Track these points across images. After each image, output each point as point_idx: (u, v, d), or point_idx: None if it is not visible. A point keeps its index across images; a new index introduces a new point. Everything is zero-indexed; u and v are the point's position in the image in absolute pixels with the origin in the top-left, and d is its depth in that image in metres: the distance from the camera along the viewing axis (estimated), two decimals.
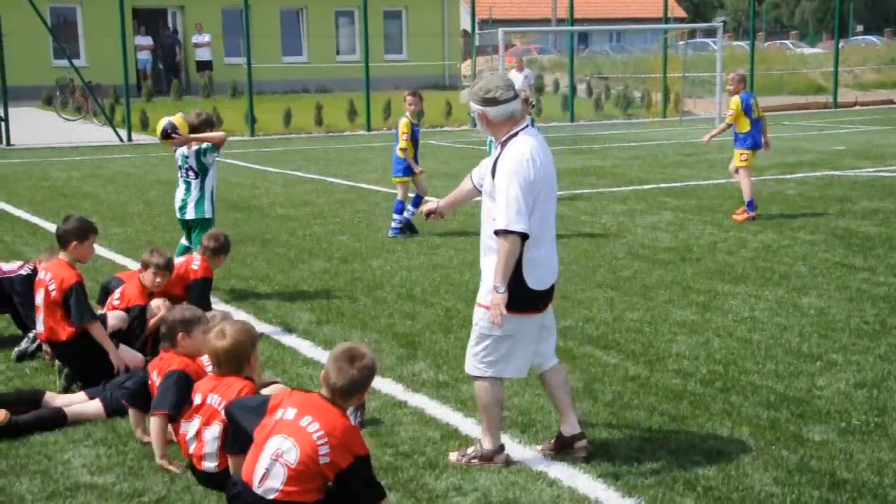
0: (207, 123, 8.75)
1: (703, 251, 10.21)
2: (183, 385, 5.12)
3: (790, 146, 20.66)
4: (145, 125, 24.96)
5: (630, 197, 14.04)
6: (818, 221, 11.67)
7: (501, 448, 5.15)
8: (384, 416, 5.78)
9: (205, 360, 5.34)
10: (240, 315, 7.91)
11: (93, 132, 24.95)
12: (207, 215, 8.62)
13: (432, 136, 24.41)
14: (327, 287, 8.92)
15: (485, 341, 5.06)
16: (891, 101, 33.97)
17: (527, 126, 5.04)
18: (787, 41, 60.94)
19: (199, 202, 8.59)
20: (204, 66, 33.18)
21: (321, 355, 6.94)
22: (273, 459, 4.16)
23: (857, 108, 32.77)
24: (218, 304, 8.30)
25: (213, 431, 4.86)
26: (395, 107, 27.21)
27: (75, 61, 26.03)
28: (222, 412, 4.77)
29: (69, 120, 27.09)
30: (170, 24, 35.16)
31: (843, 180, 15.21)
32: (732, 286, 8.71)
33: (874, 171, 15.60)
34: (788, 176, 15.83)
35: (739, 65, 36.44)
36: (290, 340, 7.31)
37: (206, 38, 33.28)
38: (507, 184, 4.85)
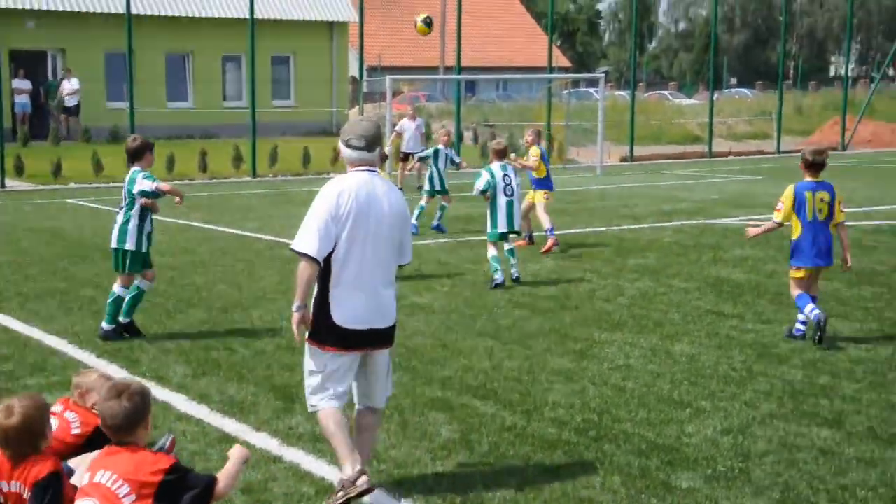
0: (145, 147, 8.89)
1: (582, 299, 10.41)
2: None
3: (667, 195, 21.28)
4: (20, 171, 24.27)
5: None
6: (692, 269, 12.03)
7: (361, 472, 5.10)
8: (258, 471, 5.70)
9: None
10: (112, 369, 7.72)
11: None
12: (127, 247, 8.62)
13: (319, 183, 24.28)
14: (205, 338, 8.78)
15: (306, 378, 5.39)
16: (761, 152, 35.33)
17: (366, 169, 5.25)
18: (666, 92, 62.97)
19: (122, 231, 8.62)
20: (70, 111, 32.24)
21: (196, 410, 6.82)
22: None
23: (730, 157, 33.96)
24: (90, 359, 8.10)
25: None
26: (281, 153, 27.08)
27: None
28: (27, 497, 4.29)
29: None
30: (49, 68, 34.37)
31: (715, 228, 15.73)
32: (609, 334, 8.89)
33: (745, 219, 16.13)
34: (665, 224, 16.28)
35: (620, 114, 37.46)
36: (164, 395, 7.15)
37: (74, 84, 32.44)
38: (310, 207, 5.19)
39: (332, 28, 40.43)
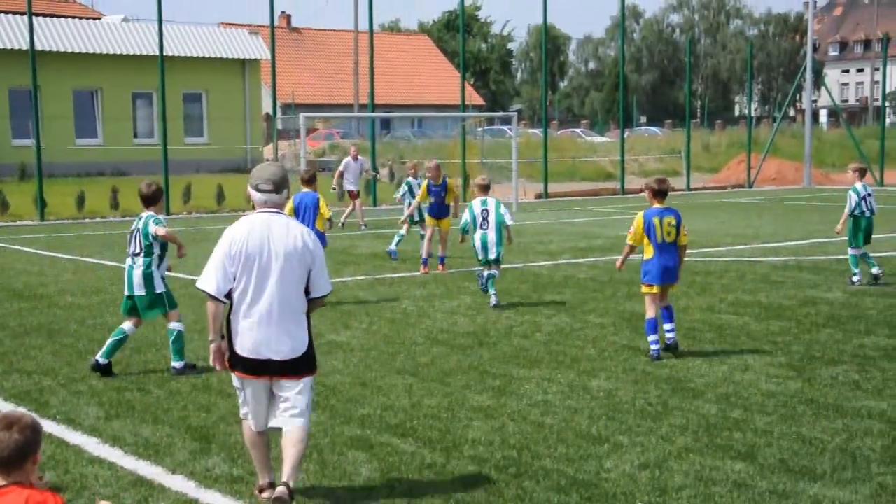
0: (160, 193, 9.10)
1: (500, 335, 10.47)
2: None
3: (582, 231, 21.60)
4: None
5: (430, 282, 14.27)
6: (608, 305, 12.20)
7: (269, 484, 5.73)
8: None
9: None
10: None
11: None
12: (157, 291, 8.90)
13: (233, 220, 24.06)
14: (118, 379, 8.59)
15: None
16: (672, 189, 36.09)
17: (270, 211, 5.70)
18: (578, 129, 64.08)
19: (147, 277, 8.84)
20: None
21: (108, 453, 6.66)
22: None
23: (643, 194, 34.66)
24: None
25: None
26: (195, 190, 26.78)
27: None
28: None
29: None
30: None
31: (630, 263, 15.80)
32: (527, 370, 8.94)
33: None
34: (581, 260, 16.50)
35: (534, 151, 37.99)
36: (76, 438, 6.96)
37: None
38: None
39: (245, 66, 40.30)
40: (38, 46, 27.68)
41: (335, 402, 7.88)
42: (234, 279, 5.57)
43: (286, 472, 5.57)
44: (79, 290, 13.51)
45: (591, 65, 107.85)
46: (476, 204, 12.29)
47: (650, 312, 9.40)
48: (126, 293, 9.00)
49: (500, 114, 48.07)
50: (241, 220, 5.73)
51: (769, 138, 39.77)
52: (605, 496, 5.85)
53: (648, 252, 9.37)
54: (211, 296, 5.58)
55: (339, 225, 22.38)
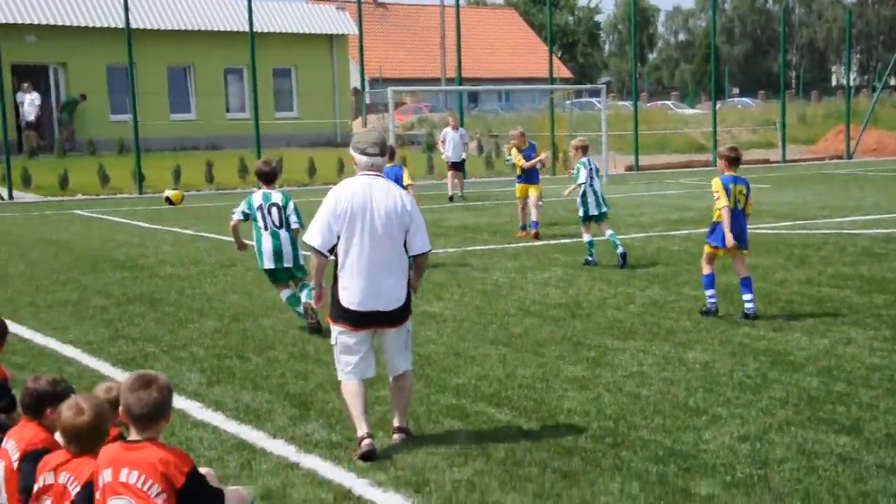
0: (278, 170, 10.01)
1: (593, 307, 10.40)
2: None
3: (674, 203, 21.30)
4: (27, 183, 24.31)
5: (521, 253, 14.24)
6: (701, 277, 11.99)
7: (363, 437, 5.98)
8: (276, 478, 5.69)
9: None
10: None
11: None
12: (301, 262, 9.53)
13: (323, 193, 24.34)
14: (218, 347, 8.78)
15: (334, 355, 6.28)
16: (767, 161, 35.33)
17: (371, 174, 6.16)
18: (668, 102, 63.06)
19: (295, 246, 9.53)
20: (30, 125, 31.46)
21: (211, 417, 6.82)
22: None
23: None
24: (104, 368, 8.11)
25: None
26: (286, 163, 27.14)
27: None
28: (73, 494, 4.33)
29: None
30: (52, 81, 34.43)
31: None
32: (621, 341, 8.88)
33: (753, 229, 16.13)
34: (673, 233, 16.28)
35: (623, 124, 37.53)
36: (180, 402, 7.14)
37: (34, 97, 32.30)
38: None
39: (332, 41, 40.54)
40: (134, 24, 28.26)
41: (430, 372, 7.93)
42: (338, 237, 6.04)
43: (400, 417, 6.25)
44: (178, 260, 13.83)
45: (681, 36, 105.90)
46: (585, 162, 13.06)
47: (706, 269, 9.84)
48: (272, 266, 9.44)
49: (588, 86, 47.57)
50: (344, 182, 6.18)
51: (869, 108, 38.63)
52: (704, 467, 5.79)
53: (718, 215, 9.69)
54: (316, 250, 6.06)
55: (460, 196, 22.39)
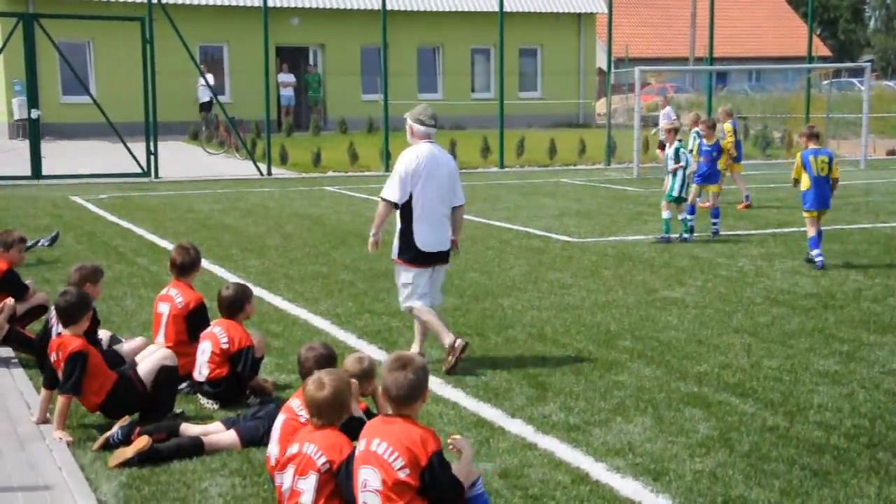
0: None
1: (848, 298, 9.83)
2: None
3: None
4: (284, 160, 25.65)
5: (769, 240, 13.66)
6: (808, 240, 11.26)
7: (455, 338, 7.38)
8: (514, 457, 5.73)
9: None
10: (371, 350, 8.00)
11: (234, 166, 25.77)
12: None
13: (565, 175, 24.34)
14: (458, 324, 8.92)
15: (400, 290, 7.67)
16: None
17: (430, 141, 7.51)
18: None
19: None
20: (203, 107, 31.12)
21: (451, 393, 6.95)
22: (363, 490, 4.34)
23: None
24: (350, 339, 8.43)
25: (309, 482, 4.54)
26: (528, 144, 27.28)
27: (220, 97, 26.98)
28: (318, 463, 4.53)
29: (212, 154, 28.06)
30: (311, 62, 36.11)
31: None
32: (879, 336, 8.35)
33: None
34: None
35: (887, 105, 35.25)
36: None
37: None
38: (395, 166, 7.46)
39: (580, 19, 40.25)
40: (389, 6, 29.13)
41: (670, 358, 7.75)
42: (410, 194, 7.32)
43: (452, 332, 7.52)
44: None
45: None
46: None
47: (811, 231, 11.30)
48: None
49: (850, 65, 44.90)
50: (411, 149, 7.45)
51: None
52: None
53: (805, 184, 11.31)
54: (390, 202, 7.39)
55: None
